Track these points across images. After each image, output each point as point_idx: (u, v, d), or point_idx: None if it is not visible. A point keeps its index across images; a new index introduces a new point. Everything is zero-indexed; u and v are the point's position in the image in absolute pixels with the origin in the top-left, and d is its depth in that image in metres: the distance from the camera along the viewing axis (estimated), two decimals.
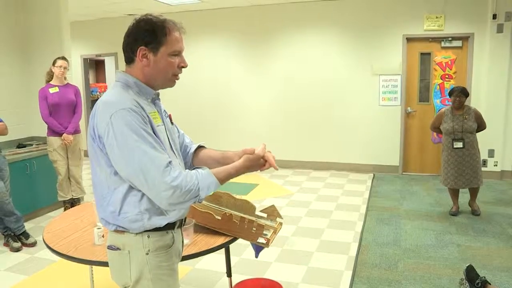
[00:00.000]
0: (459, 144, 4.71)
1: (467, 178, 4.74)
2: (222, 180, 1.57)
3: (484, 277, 3.11)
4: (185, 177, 1.47)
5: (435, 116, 5.05)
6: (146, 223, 1.54)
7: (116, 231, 1.58)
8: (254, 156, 1.64)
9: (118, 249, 1.59)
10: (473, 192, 4.91)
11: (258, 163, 1.65)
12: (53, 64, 4.74)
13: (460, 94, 4.69)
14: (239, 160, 1.64)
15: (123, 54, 1.62)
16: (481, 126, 4.80)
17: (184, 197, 1.46)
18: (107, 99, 1.52)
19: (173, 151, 1.68)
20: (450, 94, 4.80)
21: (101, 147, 1.50)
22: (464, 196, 5.14)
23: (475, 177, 4.73)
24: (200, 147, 1.89)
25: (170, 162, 1.47)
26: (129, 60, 1.60)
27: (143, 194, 1.51)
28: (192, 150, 1.87)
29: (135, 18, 1.59)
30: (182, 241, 1.80)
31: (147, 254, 1.57)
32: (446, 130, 4.78)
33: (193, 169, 1.56)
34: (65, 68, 4.75)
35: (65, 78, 4.86)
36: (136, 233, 1.56)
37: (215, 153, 1.83)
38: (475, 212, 4.84)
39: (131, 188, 1.52)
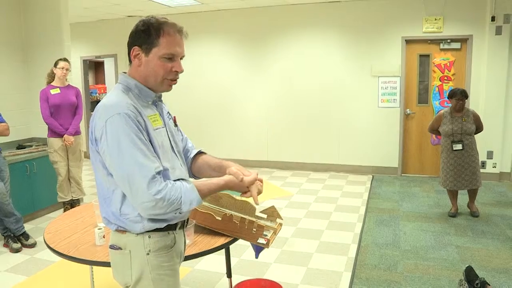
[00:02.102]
0: (458, 146, 4.71)
1: (466, 179, 4.75)
2: (204, 195, 1.57)
3: (483, 278, 3.12)
4: (170, 190, 1.46)
5: (433, 118, 5.05)
6: (146, 224, 1.55)
7: (117, 230, 1.60)
8: (237, 182, 1.61)
9: (119, 248, 1.60)
10: (472, 194, 4.92)
11: (241, 188, 1.63)
12: (55, 65, 4.75)
13: (462, 97, 4.69)
14: (223, 178, 1.63)
15: (123, 56, 1.64)
16: (479, 128, 4.82)
17: (165, 209, 1.47)
18: (106, 102, 1.53)
19: (175, 153, 1.69)
20: (450, 96, 4.78)
21: (97, 149, 1.52)
22: (463, 197, 5.15)
23: (474, 178, 4.74)
24: (200, 153, 1.90)
25: (159, 172, 1.47)
26: (129, 60, 1.62)
27: None
28: (192, 155, 1.88)
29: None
30: (185, 242, 1.81)
31: (147, 254, 1.58)
32: (445, 132, 4.79)
33: (178, 180, 1.55)
34: (67, 69, 4.76)
35: (66, 80, 4.87)
36: (137, 233, 1.57)
37: (213, 160, 1.83)
38: (474, 214, 4.85)
39: None
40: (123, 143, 1.44)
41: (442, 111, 4.93)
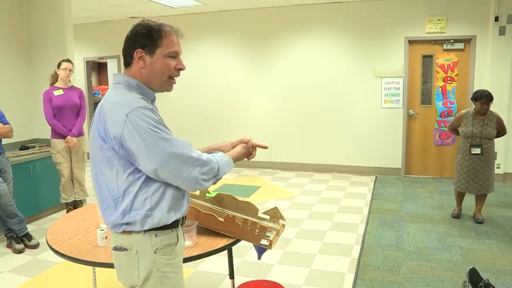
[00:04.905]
0: (477, 151, 4.53)
1: (479, 184, 4.60)
2: (235, 160, 1.77)
3: (488, 280, 3.10)
4: (207, 156, 1.61)
5: (454, 117, 4.86)
6: (155, 219, 1.57)
7: (123, 232, 1.60)
8: (248, 144, 1.88)
9: (125, 249, 1.61)
10: (480, 200, 4.75)
11: (248, 151, 1.88)
12: (58, 66, 4.76)
13: (487, 101, 4.46)
14: (237, 147, 1.85)
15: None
16: (501, 132, 4.61)
17: (208, 174, 1.58)
18: (116, 100, 1.55)
19: None
20: (475, 99, 4.54)
21: (116, 148, 1.51)
22: (467, 198, 5.11)
23: (487, 184, 4.59)
24: None
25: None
26: (127, 63, 1.64)
27: (153, 192, 1.55)
28: None
29: (134, 24, 1.64)
30: (184, 240, 1.83)
31: (155, 252, 1.60)
32: (465, 133, 4.60)
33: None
34: (70, 70, 4.77)
35: (69, 81, 4.88)
36: (144, 232, 1.58)
37: (202, 150, 1.90)
38: (477, 220, 4.68)
39: (141, 187, 1.55)
40: (154, 130, 1.49)
41: (464, 111, 4.71)
